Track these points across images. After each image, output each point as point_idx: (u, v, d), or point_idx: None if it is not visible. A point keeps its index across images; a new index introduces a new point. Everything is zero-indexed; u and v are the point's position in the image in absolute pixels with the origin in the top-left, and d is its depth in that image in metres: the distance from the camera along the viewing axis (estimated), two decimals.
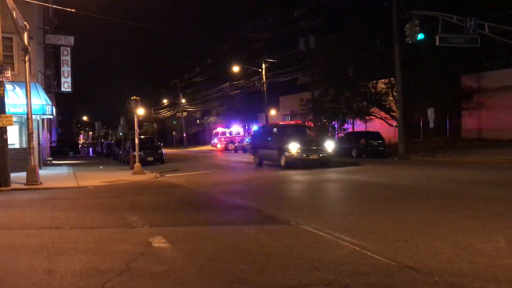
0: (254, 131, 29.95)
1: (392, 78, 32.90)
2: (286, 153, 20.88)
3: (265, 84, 49.95)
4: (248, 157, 36.03)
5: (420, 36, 23.86)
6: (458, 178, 14.43)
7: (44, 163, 29.13)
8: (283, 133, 22.70)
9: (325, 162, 21.15)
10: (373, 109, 38.03)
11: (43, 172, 21.21)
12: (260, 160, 24.37)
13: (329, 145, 21.63)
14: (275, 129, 23.70)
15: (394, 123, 34.41)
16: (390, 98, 36.16)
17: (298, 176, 17.93)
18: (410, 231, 7.15)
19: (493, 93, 32.99)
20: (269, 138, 23.34)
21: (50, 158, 37.85)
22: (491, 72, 33.80)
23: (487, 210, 8.66)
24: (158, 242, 7.06)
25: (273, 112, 56.40)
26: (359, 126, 42.14)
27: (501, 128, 32.13)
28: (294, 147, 20.79)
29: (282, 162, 21.17)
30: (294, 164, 20.78)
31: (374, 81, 37.08)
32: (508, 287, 4.62)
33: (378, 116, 37.91)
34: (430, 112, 27.05)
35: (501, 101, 32.52)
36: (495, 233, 6.78)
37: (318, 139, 23.40)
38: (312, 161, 20.96)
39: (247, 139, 48.85)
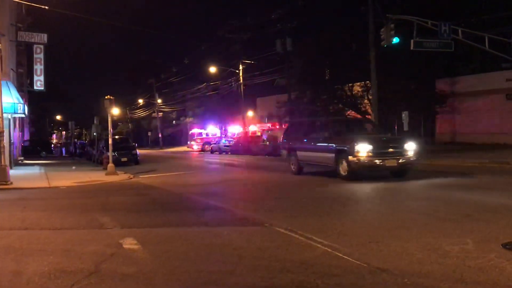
0: (289, 126, 22.43)
1: (368, 82, 33.24)
2: (350, 158, 14.97)
3: (242, 85, 49.95)
4: (227, 158, 36.05)
5: (395, 40, 24.16)
6: (431, 181, 14.64)
7: (15, 163, 28.60)
8: (342, 130, 17.53)
9: (405, 171, 15.55)
10: (349, 112, 38.36)
11: (14, 172, 20.82)
12: (299, 165, 18.58)
13: (411, 147, 15.58)
14: (330, 124, 18.03)
15: None
16: (366, 101, 36.54)
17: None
18: (382, 232, 7.23)
19: (466, 97, 33.64)
20: (318, 136, 17.46)
21: (22, 158, 37.20)
22: (464, 77, 34.46)
23: (458, 212, 8.80)
24: (129, 243, 7.00)
25: (250, 113, 56.42)
26: None
27: (474, 132, 32.78)
28: (363, 149, 14.91)
29: (342, 170, 15.42)
30: (360, 173, 15.29)
31: (350, 84, 37.42)
32: None
33: None
34: (405, 115, 27.41)
35: (474, 106, 33.17)
36: (465, 235, 6.89)
37: (395, 138, 18.24)
38: (388, 169, 15.52)
39: (223, 141, 48.79)
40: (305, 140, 18.32)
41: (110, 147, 22.75)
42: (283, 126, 47.56)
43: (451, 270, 5.25)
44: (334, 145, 16.12)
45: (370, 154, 14.94)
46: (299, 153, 18.45)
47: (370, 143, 15.14)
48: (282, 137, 21.20)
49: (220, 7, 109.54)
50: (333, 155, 15.93)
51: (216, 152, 46.64)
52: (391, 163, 15.07)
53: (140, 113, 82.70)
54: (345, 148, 15.41)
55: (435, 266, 5.42)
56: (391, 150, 15.41)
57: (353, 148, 14.96)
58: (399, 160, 15.14)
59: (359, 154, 14.91)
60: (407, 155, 15.40)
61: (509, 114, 31.48)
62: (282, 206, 10.58)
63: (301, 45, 38.70)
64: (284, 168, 19.73)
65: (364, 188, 13.51)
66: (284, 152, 20.09)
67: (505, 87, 31.27)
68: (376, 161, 14.92)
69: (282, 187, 15.14)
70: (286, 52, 39.89)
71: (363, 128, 18.90)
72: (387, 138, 17.27)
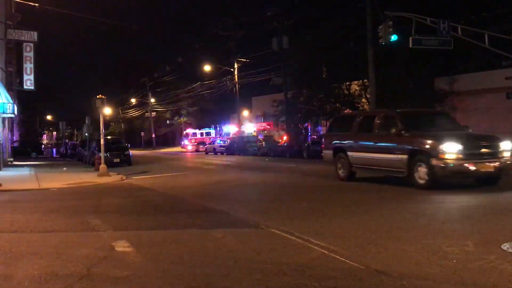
0: (335, 121, 19.14)
1: (366, 80, 33.28)
2: (434, 161, 12.04)
3: (237, 85, 49.93)
4: (223, 159, 36.05)
5: (394, 38, 24.19)
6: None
7: (4, 164, 28.48)
8: (417, 124, 14.12)
9: (497, 177, 12.80)
10: (346, 111, 38.40)
11: (3, 173, 20.77)
12: (351, 169, 15.53)
13: (507, 147, 12.68)
14: (399, 118, 14.09)
15: None
16: (364, 100, 36.57)
17: None
18: (380, 234, 7.24)
19: (466, 96, 33.69)
20: (381, 133, 14.36)
21: (11, 159, 37.04)
22: (464, 75, 34.51)
23: (458, 214, 8.83)
24: (122, 246, 6.99)
25: (245, 113, 56.42)
26: None
27: (474, 130, 32.82)
28: (452, 150, 12.02)
29: (419, 176, 12.45)
30: (442, 180, 12.41)
31: (347, 83, 37.45)
32: None
33: None
34: None
35: (474, 104, 33.22)
36: (464, 236, 6.92)
37: (487, 136, 14.01)
38: (482, 176, 12.60)
39: (218, 141, 48.80)
40: (360, 137, 15.33)
41: (102, 148, 22.69)
42: (279, 125, 47.79)
43: (451, 272, 5.27)
44: (407, 144, 13.10)
45: (460, 156, 11.97)
46: (351, 154, 15.36)
47: (460, 142, 12.20)
48: (325, 135, 18.17)
49: (215, 4, 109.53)
50: (405, 157, 12.92)
51: (211, 153, 46.63)
52: (486, 168, 12.17)
53: (133, 113, 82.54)
54: (425, 148, 12.54)
55: (435, 268, 5.45)
56: (485, 150, 12.47)
57: (438, 149, 12.07)
58: (495, 163, 12.23)
59: (446, 156, 11.96)
60: (504, 157, 12.49)
61: (510, 113, 31.58)
62: (277, 209, 10.56)
63: (298, 43, 38.71)
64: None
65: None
66: (327, 153, 16.99)
67: (505, 85, 31.33)
68: (469, 165, 11.93)
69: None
70: (282, 50, 39.89)
71: (444, 122, 15.04)
72: (477, 136, 14.07)
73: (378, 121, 14.80)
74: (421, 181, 12.38)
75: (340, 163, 15.95)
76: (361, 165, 15.10)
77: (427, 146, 12.48)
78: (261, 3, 76.12)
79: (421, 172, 12.37)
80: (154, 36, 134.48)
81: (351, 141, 15.59)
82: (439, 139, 12.32)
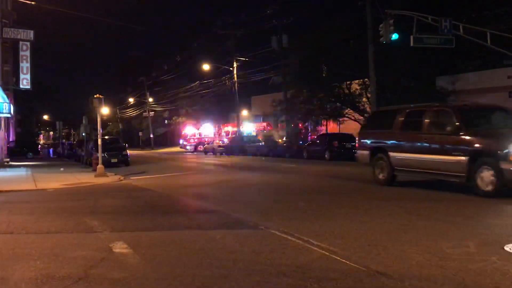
0: (372, 117, 17.83)
1: (367, 79, 33.29)
2: (504, 165, 10.55)
3: (236, 84, 49.91)
4: (222, 159, 36.04)
5: (395, 36, 24.21)
6: (429, 181, 14.66)
7: (0, 165, 28.49)
8: (477, 121, 12.54)
9: None
10: (347, 111, 38.41)
11: None
12: (392, 172, 13.87)
13: None
14: (457, 113, 12.48)
15: None
16: (364, 99, 36.58)
17: None
18: (381, 235, 7.25)
19: (468, 95, 33.66)
20: (433, 131, 12.76)
21: (8, 159, 37.00)
22: (466, 74, 34.52)
23: (459, 214, 8.83)
24: (120, 247, 6.99)
25: (245, 112, 56.43)
26: (333, 128, 42.54)
27: None
28: None
29: (483, 182, 11.01)
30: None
31: (348, 82, 37.45)
32: None
33: (352, 117, 38.29)
34: None
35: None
36: (466, 237, 6.93)
37: None
38: None
39: (217, 141, 48.80)
40: (406, 136, 13.62)
41: (100, 148, 22.68)
42: (279, 125, 47.83)
43: (452, 273, 5.27)
44: (466, 144, 11.54)
45: None
46: (393, 154, 13.72)
47: None
48: (361, 133, 16.36)
49: (214, 3, 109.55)
50: (465, 159, 11.41)
51: (210, 153, 46.63)
52: None
53: (131, 113, 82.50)
54: (491, 149, 11.03)
55: (436, 269, 5.45)
56: None
57: (510, 150, 10.50)
58: None
59: None
60: None
61: None
62: (276, 209, 10.55)
63: (297, 42, 38.72)
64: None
65: None
66: (363, 154, 15.33)
67: (508, 84, 31.36)
68: None
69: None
70: (281, 49, 39.90)
71: (505, 118, 13.00)
72: None
73: (428, 117, 13.12)
74: (487, 188, 10.87)
75: (378, 165, 14.31)
76: (406, 167, 13.46)
77: (494, 147, 10.90)
78: (261, 1, 76.20)
79: (486, 177, 10.88)
80: (152, 34, 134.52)
81: (394, 140, 13.94)
82: (510, 139, 10.78)
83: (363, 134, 15.96)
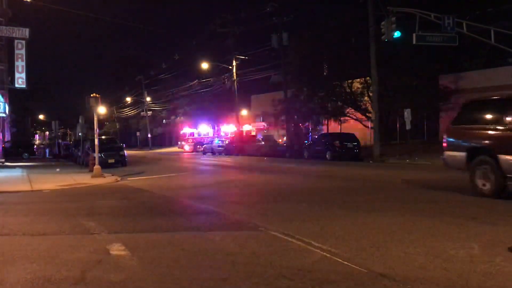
0: (466, 109, 13.15)
1: (368, 78, 33.32)
2: None
3: (235, 82, 49.90)
4: (221, 160, 36.02)
5: (397, 34, 24.22)
6: (433, 182, 14.69)
7: None
8: None
9: None
10: (348, 110, 38.44)
11: None
12: (503, 181, 10.66)
13: None
14: None
15: (370, 124, 34.85)
16: (366, 98, 36.61)
17: None
18: (383, 236, 7.25)
19: (471, 94, 33.67)
20: None
21: (3, 160, 37.02)
22: (469, 72, 34.56)
23: (463, 215, 8.83)
24: (117, 249, 6.99)
25: (244, 112, 56.43)
26: (334, 127, 42.56)
27: None
28: None
29: None
30: None
31: (349, 81, 37.50)
32: None
33: (354, 117, 38.35)
34: (407, 113, 27.46)
35: None
36: (470, 239, 6.93)
37: None
38: None
39: (216, 141, 48.80)
40: None
41: (96, 148, 22.68)
42: (279, 125, 47.80)
43: (456, 275, 5.27)
44: None
45: None
46: (505, 158, 10.59)
47: None
48: (451, 129, 13.22)
49: (213, 1, 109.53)
50: None
51: (209, 153, 46.64)
52: None
53: (128, 112, 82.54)
54: None
55: (439, 271, 5.45)
56: None
57: None
58: None
59: None
60: None
61: None
62: (277, 211, 10.55)
63: (298, 40, 38.73)
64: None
65: None
66: (456, 156, 12.29)
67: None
68: None
69: None
70: (282, 47, 39.90)
71: None
72: None
73: None
74: None
75: (481, 171, 11.26)
76: None
77: None
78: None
79: None
80: (150, 32, 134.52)
81: (502, 139, 10.89)
82: None
83: (454, 131, 12.84)
